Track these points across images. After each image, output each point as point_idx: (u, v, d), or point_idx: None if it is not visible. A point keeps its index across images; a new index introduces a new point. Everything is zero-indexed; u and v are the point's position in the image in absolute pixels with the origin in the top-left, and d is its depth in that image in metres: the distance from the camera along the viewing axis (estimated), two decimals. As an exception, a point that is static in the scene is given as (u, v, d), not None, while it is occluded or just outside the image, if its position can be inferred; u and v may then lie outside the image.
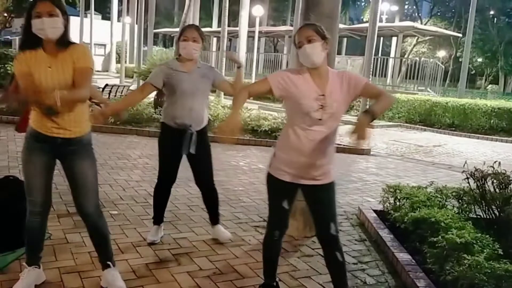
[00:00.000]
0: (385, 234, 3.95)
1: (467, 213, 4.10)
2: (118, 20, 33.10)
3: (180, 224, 4.12)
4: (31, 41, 2.51)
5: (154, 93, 10.36)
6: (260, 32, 24.43)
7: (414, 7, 48.33)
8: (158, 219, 3.75)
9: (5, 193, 3.37)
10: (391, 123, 14.59)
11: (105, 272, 2.86)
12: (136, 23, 18.51)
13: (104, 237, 2.87)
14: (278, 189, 2.64)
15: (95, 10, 30.67)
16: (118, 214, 4.29)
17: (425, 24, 37.54)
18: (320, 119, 2.45)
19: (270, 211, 2.72)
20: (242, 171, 6.62)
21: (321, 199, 2.61)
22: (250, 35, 23.02)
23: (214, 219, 3.85)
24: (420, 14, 45.76)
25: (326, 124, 2.47)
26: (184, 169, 3.60)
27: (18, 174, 4.14)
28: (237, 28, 21.53)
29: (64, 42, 2.55)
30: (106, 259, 2.87)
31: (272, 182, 2.63)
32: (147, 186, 5.32)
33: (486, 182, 4.00)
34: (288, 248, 3.75)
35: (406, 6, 52.28)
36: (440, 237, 3.29)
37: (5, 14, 37.21)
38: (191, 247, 3.65)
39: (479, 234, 3.33)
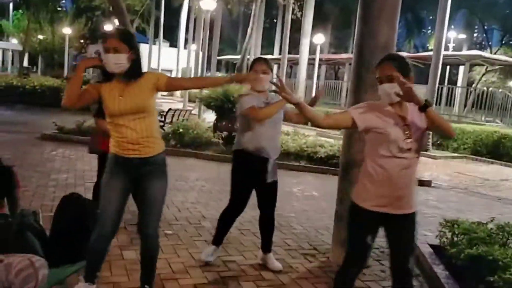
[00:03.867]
0: (440, 270, 3.79)
1: (532, 253, 3.85)
2: (185, 47, 34.55)
3: (230, 247, 4.19)
4: (107, 73, 2.68)
5: (214, 117, 10.76)
6: (320, 59, 24.52)
7: (484, 35, 46.53)
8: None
9: (70, 209, 3.59)
10: (455, 154, 13.94)
11: None
12: (201, 50, 19.23)
13: (154, 260, 2.95)
14: (362, 221, 2.58)
15: (163, 38, 32.16)
16: (172, 234, 4.43)
17: (495, 53, 36.03)
18: (408, 149, 2.43)
19: (350, 246, 2.67)
20: (295, 198, 6.62)
21: (404, 229, 2.55)
22: (311, 62, 23.20)
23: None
24: (490, 43, 43.88)
25: (412, 152, 2.45)
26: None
27: (83, 192, 4.42)
28: (298, 56, 21.77)
29: (131, 75, 2.67)
30: (146, 282, 2.93)
31: (357, 212, 2.58)
32: (201, 208, 5.46)
33: (554, 221, 3.76)
34: (336, 278, 3.70)
35: (475, 35, 50.52)
36: (497, 276, 3.12)
37: (81, 41, 40.14)
38: (239, 270, 3.69)
39: (542, 276, 3.12)
